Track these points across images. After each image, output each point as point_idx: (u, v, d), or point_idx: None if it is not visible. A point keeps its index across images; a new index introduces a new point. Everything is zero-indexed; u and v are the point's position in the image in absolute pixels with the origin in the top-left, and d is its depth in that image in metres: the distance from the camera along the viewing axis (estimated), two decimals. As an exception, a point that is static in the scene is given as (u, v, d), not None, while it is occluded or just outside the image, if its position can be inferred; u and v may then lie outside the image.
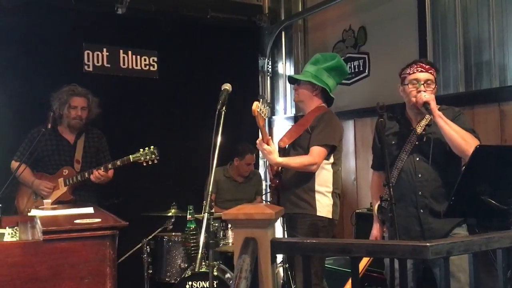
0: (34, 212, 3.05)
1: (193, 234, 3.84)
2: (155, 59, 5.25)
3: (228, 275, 3.87)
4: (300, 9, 5.73)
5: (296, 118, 5.60)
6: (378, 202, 3.02)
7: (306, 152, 3.28)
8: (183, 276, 3.85)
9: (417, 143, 2.87)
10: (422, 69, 2.87)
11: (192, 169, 5.10)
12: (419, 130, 2.89)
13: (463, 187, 2.40)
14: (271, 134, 5.82)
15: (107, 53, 5.02)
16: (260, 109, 3.06)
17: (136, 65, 5.17)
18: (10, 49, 4.48)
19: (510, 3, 3.64)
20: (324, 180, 3.30)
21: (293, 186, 3.33)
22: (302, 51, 5.76)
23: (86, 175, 3.83)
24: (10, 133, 4.36)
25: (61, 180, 3.87)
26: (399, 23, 4.49)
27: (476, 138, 2.73)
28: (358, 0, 4.87)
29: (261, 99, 3.15)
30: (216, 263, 3.84)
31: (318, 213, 3.26)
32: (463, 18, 3.97)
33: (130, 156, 3.81)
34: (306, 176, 3.28)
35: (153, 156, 3.83)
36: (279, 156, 3.25)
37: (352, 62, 5.02)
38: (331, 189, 3.31)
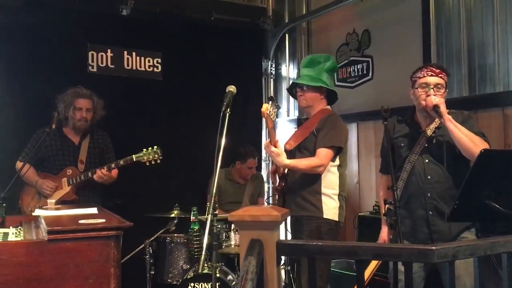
0: (38, 212, 3.05)
1: (197, 236, 3.84)
2: (159, 60, 5.26)
3: (230, 277, 3.88)
4: (304, 12, 5.74)
5: (299, 121, 5.60)
6: (386, 205, 3.02)
7: (312, 154, 3.29)
8: (185, 277, 3.85)
9: (426, 145, 2.89)
10: (433, 73, 2.88)
11: (195, 170, 5.11)
12: (428, 132, 2.90)
13: (468, 191, 2.40)
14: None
15: (112, 54, 5.03)
16: (269, 111, 3.08)
17: (140, 66, 5.18)
18: (15, 50, 4.50)
19: (514, 8, 3.64)
20: (330, 182, 3.30)
21: (299, 188, 3.33)
22: (305, 54, 5.75)
23: (90, 174, 3.84)
24: (15, 134, 4.38)
25: (64, 180, 3.88)
26: (403, 26, 4.49)
27: (486, 141, 2.74)
28: (362, 3, 4.86)
29: (270, 101, 3.16)
30: (218, 264, 3.84)
31: (325, 216, 3.26)
32: (467, 22, 3.97)
33: (133, 155, 3.82)
34: (312, 179, 3.28)
35: (156, 156, 3.83)
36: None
37: (355, 66, 5.02)
38: (337, 192, 3.32)
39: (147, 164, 3.85)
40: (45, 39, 4.62)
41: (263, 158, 5.93)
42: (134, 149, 3.88)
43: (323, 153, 3.23)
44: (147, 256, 4.12)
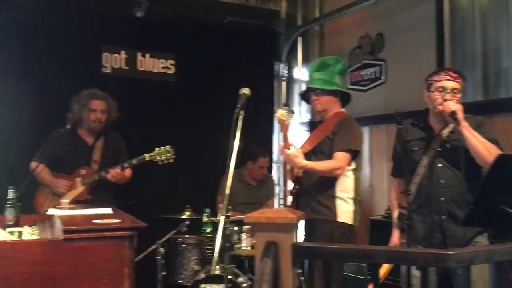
0: (52, 211, 3.08)
1: (209, 237, 3.84)
2: (173, 62, 5.29)
3: (240, 279, 3.87)
4: (317, 15, 5.73)
5: (310, 124, 5.59)
6: (398, 210, 3.01)
7: (327, 158, 3.29)
8: (196, 278, 3.86)
9: (440, 149, 2.87)
10: (450, 78, 2.86)
11: (207, 172, 5.11)
12: (442, 136, 2.88)
13: (483, 196, 2.39)
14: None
15: (125, 56, 5.06)
16: (285, 117, 3.09)
17: (154, 68, 5.21)
18: (30, 51, 4.53)
19: (530, 12, 3.62)
20: (345, 186, 3.30)
21: (314, 191, 3.33)
22: (318, 57, 5.72)
23: (103, 174, 3.86)
24: (30, 134, 4.41)
25: (78, 179, 3.91)
26: (417, 30, 4.47)
27: (500, 149, 2.73)
28: (376, 7, 4.85)
29: (285, 107, 3.17)
30: (229, 266, 3.84)
31: (339, 219, 3.26)
32: (482, 26, 3.94)
33: (146, 155, 3.85)
34: (328, 182, 3.28)
35: (169, 155, 3.85)
36: None
37: (368, 69, 5.01)
38: (352, 195, 3.31)
39: (160, 163, 3.86)
40: (60, 40, 4.65)
41: (274, 160, 5.93)
42: (147, 150, 3.90)
43: (341, 156, 3.23)
44: (159, 257, 4.13)
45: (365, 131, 4.88)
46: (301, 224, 3.65)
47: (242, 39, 5.60)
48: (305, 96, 3.62)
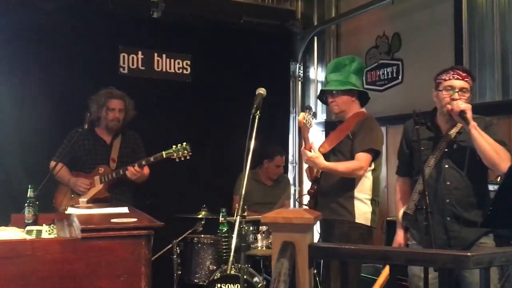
0: (70, 210, 3.11)
1: (225, 237, 3.85)
2: (189, 62, 5.32)
3: (256, 279, 3.88)
4: (333, 15, 5.72)
5: (327, 124, 5.58)
6: (403, 209, 2.99)
7: (347, 158, 3.27)
8: (212, 278, 3.87)
9: (446, 150, 2.84)
10: (459, 77, 2.82)
11: (223, 172, 5.13)
12: (449, 137, 2.85)
13: (502, 197, 2.36)
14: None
15: (142, 56, 5.11)
16: (306, 120, 3.08)
17: (170, 68, 5.25)
18: (49, 52, 4.61)
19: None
20: (364, 187, 3.28)
21: (333, 192, 3.31)
22: (334, 57, 5.73)
23: (121, 172, 3.90)
24: (49, 134, 4.47)
25: (97, 178, 3.95)
26: (435, 30, 4.44)
27: (508, 151, 2.69)
28: (393, 6, 4.82)
29: (307, 110, 3.17)
30: (244, 266, 3.85)
31: (357, 220, 3.24)
32: (500, 26, 3.90)
33: (163, 152, 3.87)
34: (346, 183, 3.27)
35: (186, 152, 3.87)
36: None
37: (385, 69, 4.98)
38: (370, 197, 3.29)
39: (177, 160, 3.88)
40: (78, 41, 4.72)
41: (289, 160, 5.92)
42: (164, 149, 3.91)
43: (363, 156, 3.20)
44: (175, 256, 4.16)
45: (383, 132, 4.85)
46: (317, 224, 3.65)
47: (258, 39, 5.61)
48: (322, 99, 3.60)
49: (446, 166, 2.82)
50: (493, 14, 3.95)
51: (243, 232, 3.88)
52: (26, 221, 2.94)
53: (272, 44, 5.73)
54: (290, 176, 5.84)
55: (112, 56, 4.98)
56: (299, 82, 6.11)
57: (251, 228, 4.23)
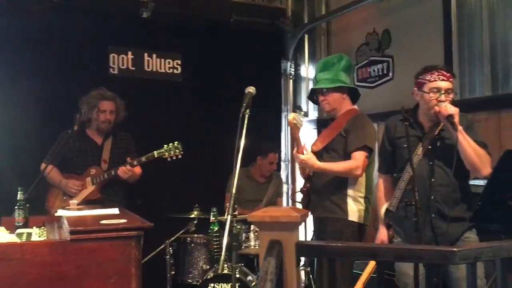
0: (60, 212, 3.10)
1: (216, 236, 3.85)
2: (179, 62, 5.30)
3: (249, 278, 3.88)
4: (323, 12, 5.72)
5: (318, 121, 5.58)
6: (385, 206, 3.00)
7: (340, 155, 3.27)
8: (205, 277, 3.87)
9: (430, 147, 2.84)
10: (444, 78, 2.82)
11: (215, 171, 5.13)
12: (433, 134, 2.85)
13: (490, 193, 2.37)
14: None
15: (132, 56, 5.09)
16: (296, 120, 3.08)
17: (160, 68, 5.23)
18: (38, 52, 4.56)
19: (538, 6, 3.58)
20: (356, 184, 3.28)
21: (325, 190, 3.32)
22: (325, 54, 5.73)
23: (113, 172, 3.89)
24: (39, 136, 4.44)
25: (88, 179, 3.94)
26: (424, 26, 4.45)
27: (488, 154, 2.74)
28: (383, 3, 4.82)
29: (297, 110, 3.17)
30: (238, 265, 3.85)
31: (349, 218, 3.24)
32: (489, 21, 3.91)
33: (155, 151, 3.87)
34: (339, 181, 3.27)
35: (177, 151, 3.86)
36: None
37: (375, 66, 4.99)
38: (363, 194, 3.30)
39: (169, 160, 3.88)
40: (67, 42, 4.69)
41: (282, 159, 5.92)
42: (155, 149, 3.91)
43: (359, 155, 3.20)
44: (168, 256, 4.15)
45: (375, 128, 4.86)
46: (311, 222, 3.66)
47: (248, 37, 5.60)
48: (313, 98, 3.60)
49: (430, 163, 2.83)
50: (482, 9, 3.96)
51: (235, 231, 3.88)
52: (16, 223, 2.93)
53: (263, 43, 5.72)
54: (283, 174, 5.84)
55: (102, 57, 4.95)
56: (291, 80, 6.10)
57: (243, 227, 4.24)
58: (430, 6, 4.40)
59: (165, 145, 3.88)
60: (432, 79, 2.82)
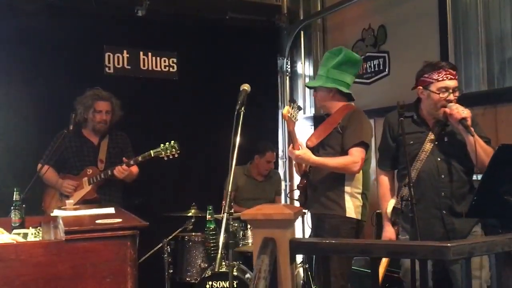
0: (56, 212, 3.09)
1: (213, 234, 3.86)
2: (175, 60, 5.29)
3: (248, 275, 3.88)
4: (319, 9, 5.71)
5: (315, 118, 5.58)
6: (391, 203, 2.99)
7: (336, 151, 3.26)
8: (203, 276, 3.88)
9: (436, 143, 2.83)
10: (452, 76, 2.79)
11: (212, 169, 5.12)
12: (438, 130, 2.84)
13: (486, 187, 2.37)
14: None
15: (128, 55, 5.07)
16: (291, 114, 3.07)
17: (156, 67, 5.21)
18: (33, 52, 4.55)
19: (533, 0, 3.57)
20: (353, 180, 3.27)
21: (322, 186, 3.31)
22: (321, 51, 5.73)
23: (109, 172, 3.88)
24: (35, 136, 4.44)
25: (85, 179, 3.94)
26: (420, 21, 4.44)
27: (493, 149, 2.70)
28: (378, -1, 4.83)
29: (291, 103, 3.16)
30: (235, 263, 3.85)
31: (347, 214, 3.23)
32: (485, 16, 3.90)
33: (151, 151, 3.86)
34: (336, 177, 3.26)
35: (174, 150, 3.86)
36: None
37: (371, 61, 4.98)
38: (360, 190, 3.28)
39: (166, 159, 3.87)
40: (62, 42, 4.67)
41: (279, 156, 5.92)
42: (152, 148, 3.90)
43: (356, 152, 3.18)
44: (166, 255, 4.16)
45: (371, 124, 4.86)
46: (309, 219, 3.66)
47: (244, 35, 5.59)
48: None
49: (439, 159, 2.82)
50: (477, 4, 3.95)
51: (231, 229, 3.89)
52: (12, 224, 2.92)
53: (258, 40, 5.71)
54: (281, 171, 5.84)
55: (97, 56, 4.93)
56: (287, 77, 6.09)
57: (240, 224, 4.24)
58: (425, 1, 4.39)
59: (162, 144, 3.87)
60: (440, 78, 2.79)
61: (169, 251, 4.17)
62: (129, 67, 5.08)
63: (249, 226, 4.19)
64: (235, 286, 3.65)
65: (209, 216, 3.90)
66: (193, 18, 5.36)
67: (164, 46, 5.24)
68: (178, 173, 4.90)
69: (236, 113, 2.75)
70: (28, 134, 4.47)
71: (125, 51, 5.06)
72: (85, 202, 3.83)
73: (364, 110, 4.69)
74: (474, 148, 2.61)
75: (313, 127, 5.58)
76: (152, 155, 3.86)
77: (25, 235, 2.72)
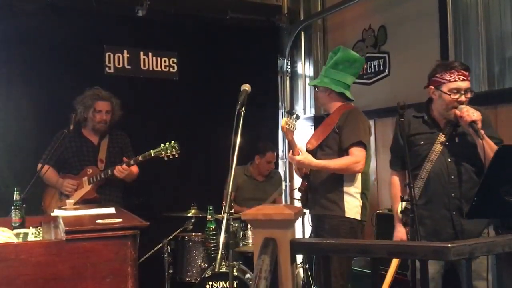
0: (56, 212, 3.10)
1: (213, 235, 3.85)
2: (175, 60, 5.29)
3: (248, 276, 3.88)
4: (319, 9, 5.71)
5: (315, 119, 5.58)
6: (403, 204, 2.98)
7: (334, 152, 3.26)
8: (203, 276, 3.87)
9: (447, 143, 2.82)
10: (464, 77, 2.77)
11: (212, 169, 5.12)
12: (449, 131, 2.83)
13: (486, 188, 2.37)
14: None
15: (128, 55, 5.07)
16: (289, 125, 3.07)
17: (156, 67, 5.21)
18: (33, 52, 4.55)
19: (534, 0, 3.57)
20: (353, 181, 3.27)
21: (322, 187, 3.31)
22: (321, 51, 5.74)
23: (109, 172, 3.88)
24: (35, 136, 4.44)
25: (85, 179, 3.94)
26: (420, 21, 4.44)
27: None
28: (378, -1, 4.83)
29: (289, 115, 3.17)
30: (236, 263, 3.85)
31: (347, 215, 3.24)
32: (485, 16, 3.90)
33: (151, 150, 3.86)
34: (335, 178, 3.26)
35: (174, 150, 3.86)
36: None
37: (372, 62, 4.98)
38: (360, 190, 3.29)
39: (166, 159, 3.87)
40: (62, 42, 4.67)
41: (280, 156, 5.92)
42: (152, 148, 3.90)
43: (356, 151, 3.18)
44: (166, 255, 4.16)
45: (371, 124, 4.85)
46: (309, 219, 3.66)
47: (244, 35, 5.59)
48: None
49: (449, 160, 2.81)
50: (477, 4, 3.95)
51: (232, 229, 3.89)
52: (13, 224, 2.93)
53: (259, 40, 5.71)
54: (281, 171, 5.84)
55: (98, 56, 4.93)
56: (287, 77, 6.09)
57: (241, 224, 4.24)
58: (425, 1, 4.39)
59: (162, 144, 3.87)
60: (452, 79, 2.77)
61: (169, 251, 4.17)
62: (129, 67, 5.08)
63: (249, 226, 4.19)
64: (235, 286, 3.64)
65: (209, 216, 3.90)
66: (194, 18, 5.36)
67: (164, 46, 5.24)
68: (178, 173, 4.90)
69: (236, 113, 2.75)
70: (28, 134, 4.47)
71: (125, 51, 5.06)
72: (85, 201, 3.83)
73: (365, 110, 4.69)
74: (483, 151, 2.60)
75: (313, 127, 5.58)
76: (152, 155, 3.86)
77: (26, 235, 2.72)
